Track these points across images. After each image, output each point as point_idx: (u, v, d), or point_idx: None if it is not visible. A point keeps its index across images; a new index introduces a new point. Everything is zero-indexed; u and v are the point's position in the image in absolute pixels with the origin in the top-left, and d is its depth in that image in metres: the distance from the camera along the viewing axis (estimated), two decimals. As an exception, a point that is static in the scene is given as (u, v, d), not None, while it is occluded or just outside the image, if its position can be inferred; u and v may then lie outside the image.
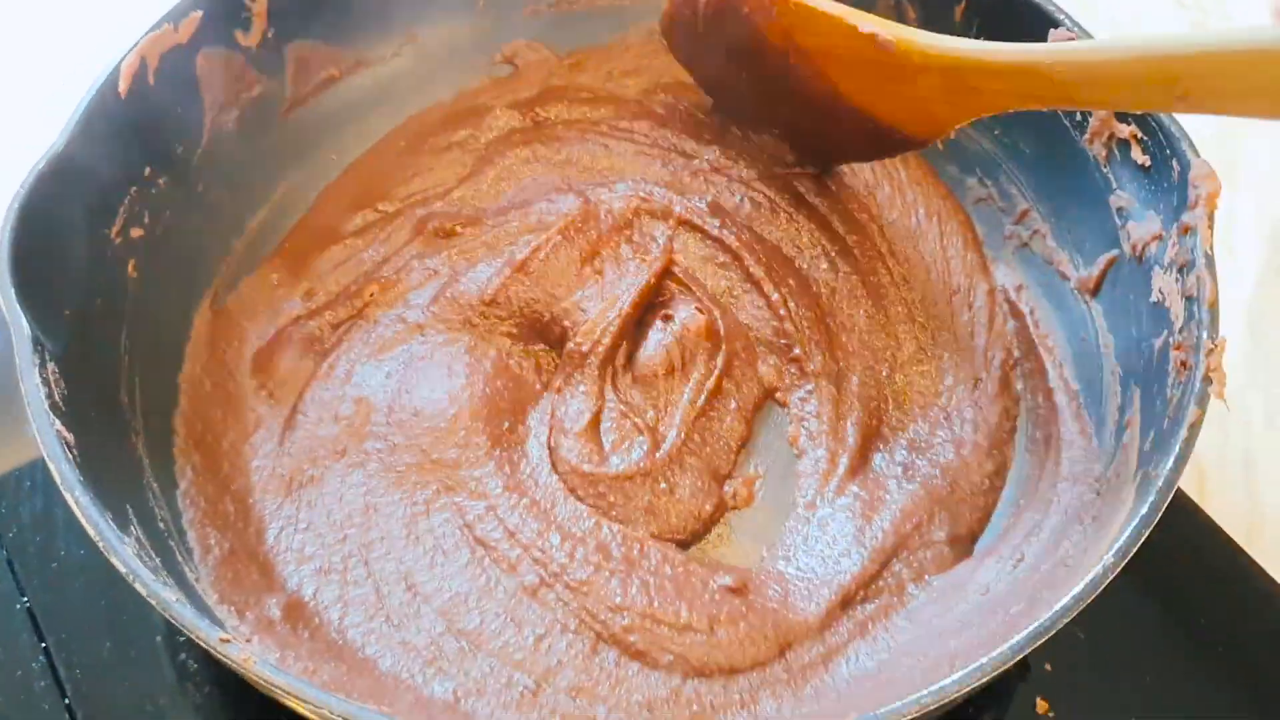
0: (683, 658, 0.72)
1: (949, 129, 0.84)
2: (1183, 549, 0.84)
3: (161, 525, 0.74)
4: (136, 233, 0.81)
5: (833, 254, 0.92)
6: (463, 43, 1.00)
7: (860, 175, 0.95)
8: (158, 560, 0.67)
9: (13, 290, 0.67)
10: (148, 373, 0.80)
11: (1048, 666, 0.79)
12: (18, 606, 0.79)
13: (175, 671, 0.76)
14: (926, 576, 0.78)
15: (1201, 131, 1.06)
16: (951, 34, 0.87)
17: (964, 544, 0.80)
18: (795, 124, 0.92)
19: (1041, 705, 0.78)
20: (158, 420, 0.80)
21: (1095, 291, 0.83)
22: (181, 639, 0.76)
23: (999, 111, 0.80)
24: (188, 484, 0.78)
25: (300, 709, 0.58)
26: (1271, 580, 0.83)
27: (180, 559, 0.73)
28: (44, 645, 0.77)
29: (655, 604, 0.74)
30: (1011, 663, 0.60)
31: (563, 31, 1.01)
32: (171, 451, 0.80)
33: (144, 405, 0.79)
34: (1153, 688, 0.79)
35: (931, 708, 0.58)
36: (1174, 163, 0.76)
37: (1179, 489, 0.84)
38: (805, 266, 0.91)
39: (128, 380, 0.78)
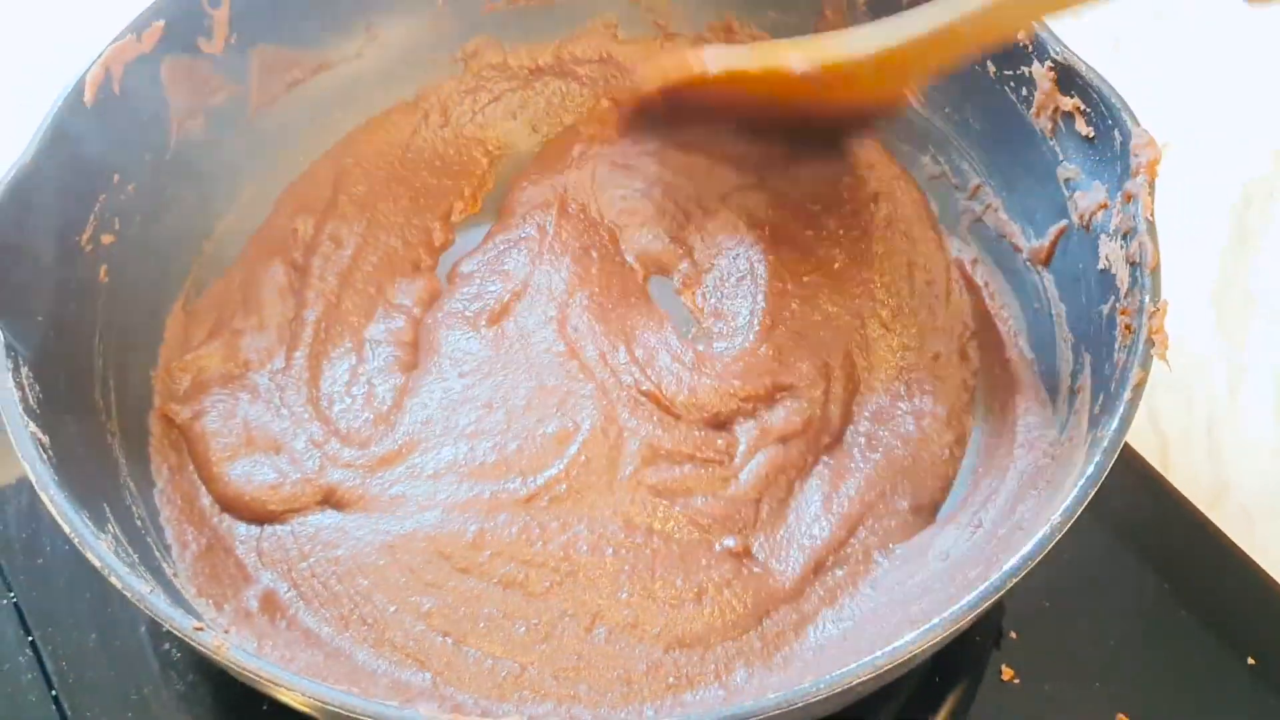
0: (669, 628, 0.75)
1: (904, 98, 0.88)
2: (1147, 517, 0.87)
3: (139, 523, 0.75)
4: (107, 239, 0.82)
5: (794, 238, 0.94)
6: (423, 41, 1.01)
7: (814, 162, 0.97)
8: (135, 556, 0.69)
9: (-15, 298, 0.69)
10: (122, 374, 0.82)
11: (1013, 635, 0.81)
12: (4, 602, 0.81)
13: (159, 661, 0.78)
14: (890, 544, 0.80)
15: (1162, 102, 1.08)
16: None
17: (926, 513, 0.82)
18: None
19: (1007, 672, 0.80)
20: (133, 421, 0.82)
21: (1047, 261, 0.85)
22: (165, 630, 0.78)
23: (936, 72, 0.85)
24: (164, 482, 0.81)
25: (275, 694, 0.60)
26: (1234, 545, 0.85)
27: (159, 554, 0.75)
28: (30, 639, 0.79)
29: (657, 576, 0.77)
30: (963, 623, 0.61)
31: (519, 27, 1.03)
32: (147, 451, 0.82)
33: (119, 406, 0.81)
34: (1118, 653, 0.81)
35: (887, 669, 0.60)
36: (1115, 132, 0.77)
37: (1143, 459, 0.87)
38: (764, 255, 0.94)
39: (102, 382, 0.80)
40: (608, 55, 1.04)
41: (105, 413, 0.79)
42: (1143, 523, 0.86)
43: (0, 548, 0.83)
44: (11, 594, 0.81)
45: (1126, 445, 0.84)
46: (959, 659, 0.81)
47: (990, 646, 0.82)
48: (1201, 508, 0.86)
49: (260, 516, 0.80)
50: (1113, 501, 0.82)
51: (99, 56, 0.81)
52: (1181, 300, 0.96)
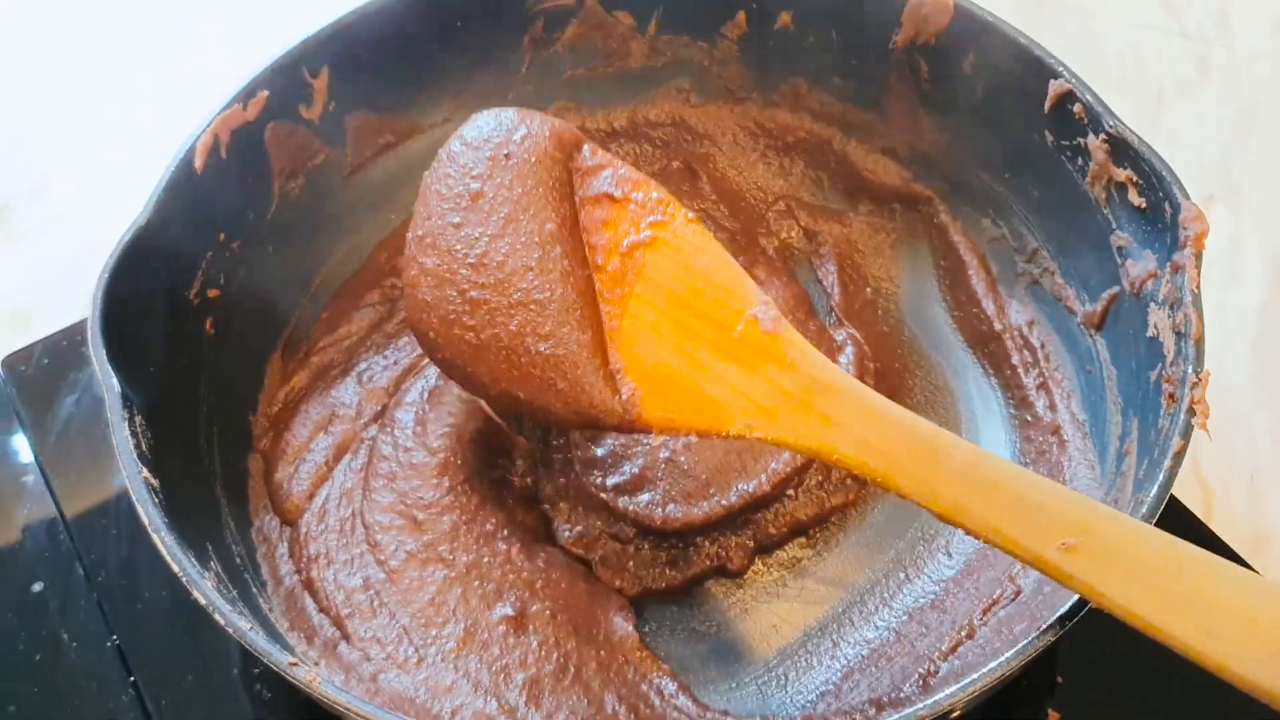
0: None
1: (690, 429, 0.74)
2: None
3: (238, 560, 0.81)
4: (213, 293, 0.89)
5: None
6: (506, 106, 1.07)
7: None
8: (234, 592, 0.75)
9: (104, 351, 0.75)
10: (225, 420, 0.88)
11: (1059, 679, 0.84)
12: (108, 644, 0.87)
13: (251, 701, 0.84)
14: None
15: (1205, 157, 1.10)
16: (961, 87, 0.95)
17: None
18: None
19: (1053, 716, 0.82)
20: (233, 463, 0.88)
21: (1100, 326, 0.88)
22: (257, 670, 0.84)
23: (802, 447, 0.71)
24: (260, 521, 0.87)
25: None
26: (1279, 593, 0.87)
27: (255, 590, 0.80)
28: (132, 679, 0.84)
29: None
30: (1000, 676, 0.64)
31: (596, 92, 1.09)
32: (246, 492, 0.88)
33: (221, 450, 0.87)
34: (1162, 701, 0.83)
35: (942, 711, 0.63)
36: (1166, 205, 0.80)
37: (1187, 508, 0.90)
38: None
39: (206, 428, 0.86)
40: (680, 119, 1.09)
41: (208, 456, 0.86)
42: None
43: (103, 593, 0.89)
44: (114, 637, 0.87)
45: (1172, 496, 0.87)
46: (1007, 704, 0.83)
47: (1044, 694, 0.84)
48: (1245, 555, 0.88)
49: None
50: None
51: (208, 124, 0.87)
52: (1223, 350, 1.00)
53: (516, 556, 0.84)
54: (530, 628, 0.81)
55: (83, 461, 0.96)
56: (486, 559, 0.84)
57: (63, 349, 1.02)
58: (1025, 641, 0.65)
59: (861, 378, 0.91)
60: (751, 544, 0.88)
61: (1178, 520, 0.90)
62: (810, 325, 0.98)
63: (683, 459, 0.89)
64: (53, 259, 1.11)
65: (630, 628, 0.82)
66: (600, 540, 0.87)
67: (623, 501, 0.87)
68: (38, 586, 0.90)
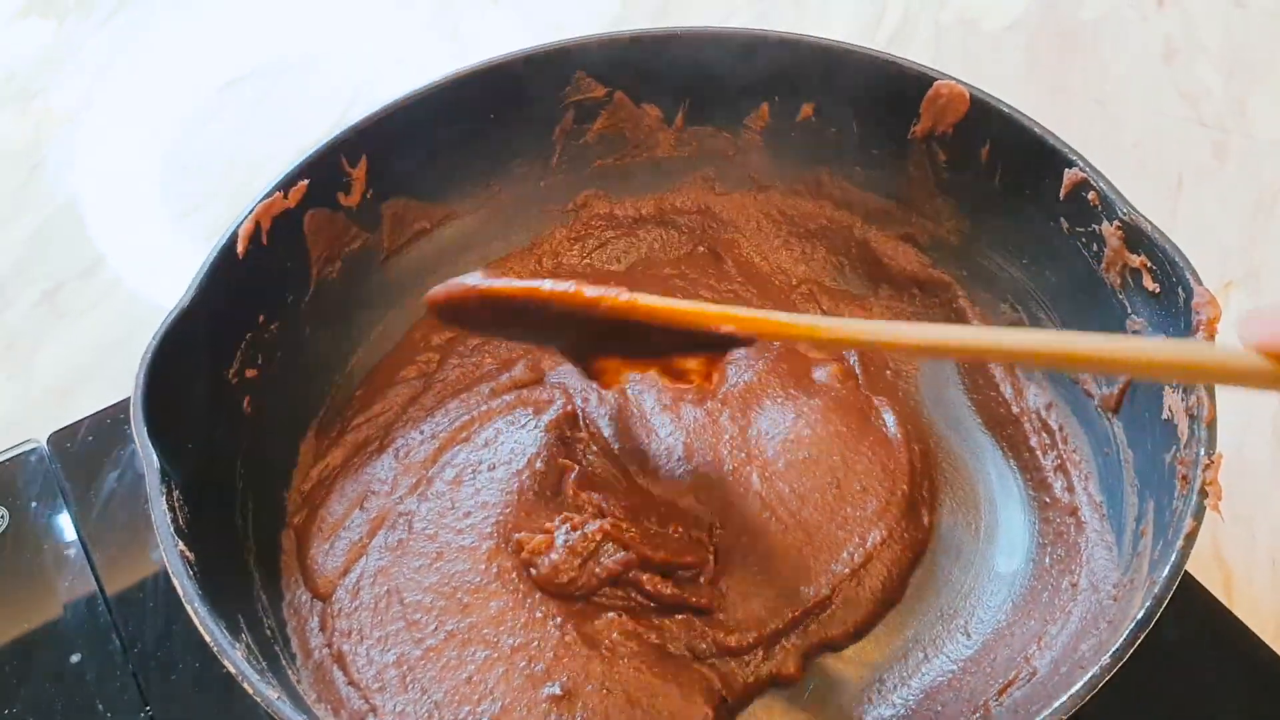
0: None
1: None
2: (1212, 647, 0.89)
3: (269, 632, 0.83)
4: (251, 373, 0.92)
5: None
6: (538, 195, 1.11)
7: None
8: (264, 663, 0.77)
9: (145, 428, 0.78)
10: (260, 496, 0.91)
11: None
12: (142, 716, 0.88)
13: None
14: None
15: (1224, 242, 1.12)
16: (978, 175, 0.98)
17: None
18: None
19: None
20: (267, 538, 0.90)
21: (1116, 409, 0.89)
22: None
23: None
24: (292, 595, 0.89)
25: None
26: (1299, 675, 0.87)
27: (285, 663, 0.82)
28: None
29: None
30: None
31: (624, 181, 1.12)
32: (279, 566, 0.90)
33: (256, 525, 0.89)
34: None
35: None
36: (1179, 290, 0.82)
37: (1207, 590, 0.90)
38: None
39: (242, 503, 0.89)
40: (705, 206, 1.13)
41: (243, 531, 0.88)
42: (1208, 653, 0.89)
43: (139, 665, 0.91)
44: (148, 708, 0.89)
45: (1190, 577, 0.90)
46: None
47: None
48: (1265, 637, 0.88)
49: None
50: (1178, 632, 0.87)
51: (250, 211, 0.91)
52: (1243, 431, 1.01)
53: (573, 640, 0.84)
54: (579, 704, 0.81)
55: (123, 537, 0.98)
56: (536, 643, 0.84)
57: (107, 426, 1.05)
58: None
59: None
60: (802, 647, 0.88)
61: (1197, 601, 0.90)
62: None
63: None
64: (99, 338, 1.14)
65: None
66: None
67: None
68: (75, 657, 0.92)
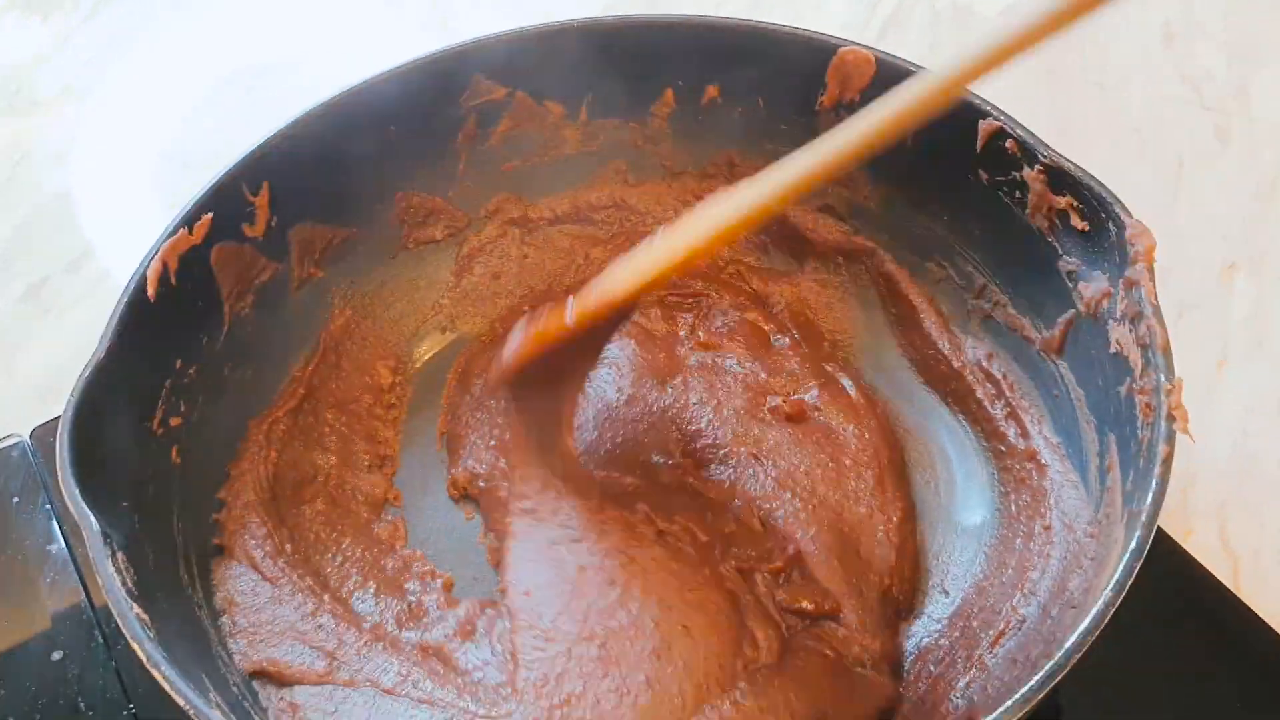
0: None
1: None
2: (1219, 632, 0.90)
3: (235, 689, 0.79)
4: (175, 421, 0.87)
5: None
6: (450, 203, 1.08)
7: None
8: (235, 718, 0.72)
9: (76, 490, 0.73)
10: (200, 549, 0.86)
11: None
12: (124, 713, 0.86)
13: None
14: None
15: (1227, 225, 1.13)
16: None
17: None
18: None
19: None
20: (215, 592, 0.85)
21: (1060, 350, 0.90)
22: None
23: None
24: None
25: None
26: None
27: (256, 718, 0.78)
28: None
29: None
30: (1033, 702, 0.65)
31: (536, 181, 1.10)
32: (232, 621, 0.85)
33: (201, 580, 0.85)
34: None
35: None
36: (1110, 225, 0.82)
37: (1215, 577, 0.91)
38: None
39: (185, 560, 0.84)
40: (621, 200, 1.11)
41: (191, 586, 0.83)
42: (1216, 639, 0.89)
43: (121, 662, 0.89)
44: (131, 705, 0.87)
45: (1197, 564, 0.91)
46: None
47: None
48: (1273, 623, 0.88)
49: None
50: (1186, 619, 0.89)
51: (155, 251, 0.86)
52: (1248, 417, 1.02)
53: None
54: None
55: None
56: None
57: None
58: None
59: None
60: None
61: (1205, 588, 0.90)
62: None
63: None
64: (84, 332, 1.11)
65: None
66: None
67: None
68: (57, 655, 0.90)
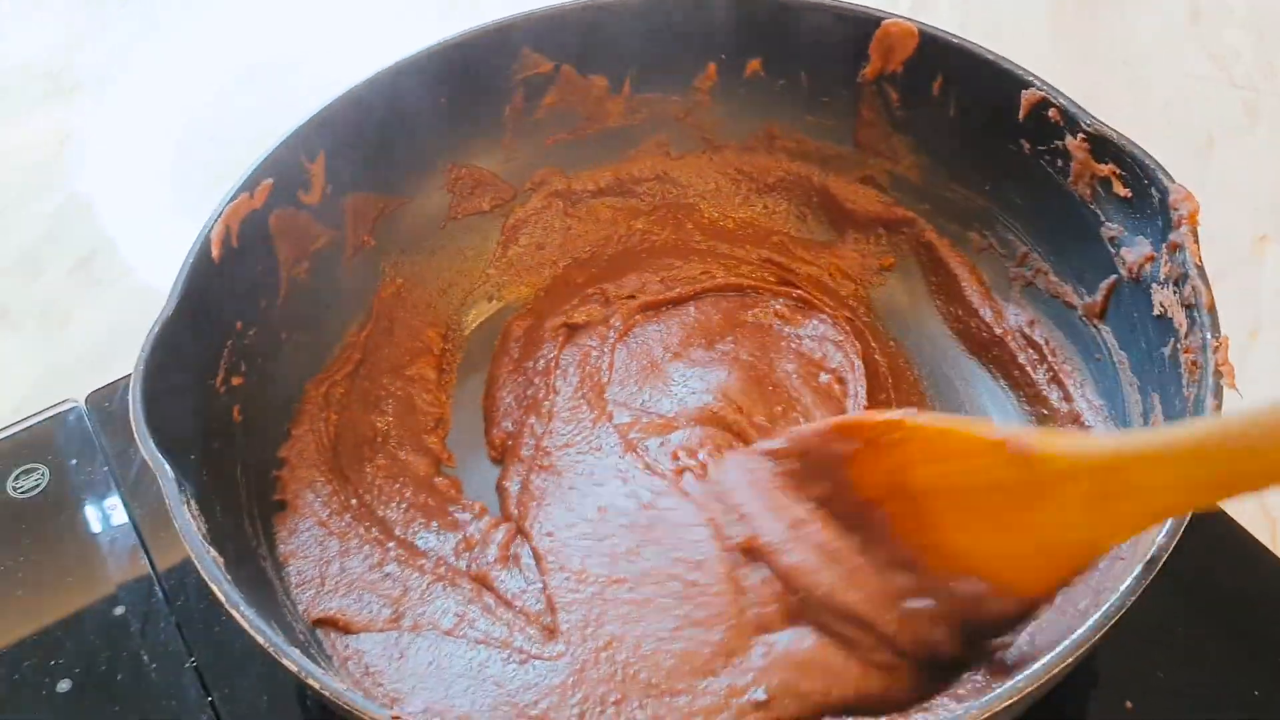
0: None
1: (1071, 574, 0.73)
2: (1259, 593, 0.91)
3: (301, 636, 0.81)
4: (236, 380, 0.89)
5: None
6: (497, 176, 1.10)
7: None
8: (308, 665, 0.74)
9: (151, 440, 0.75)
10: (263, 504, 0.88)
11: (1129, 705, 0.84)
12: (186, 665, 0.88)
13: None
14: None
15: (1257, 199, 1.14)
16: (932, 110, 1.00)
17: None
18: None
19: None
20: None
21: (1102, 315, 0.91)
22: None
23: (1150, 523, 0.67)
24: (310, 601, 0.86)
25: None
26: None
27: (321, 665, 0.79)
28: (210, 699, 0.86)
29: None
30: (1088, 646, 0.66)
31: (580, 154, 1.12)
32: (294, 573, 0.87)
33: (265, 534, 0.87)
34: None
35: (1010, 702, 0.64)
36: (1153, 190, 0.84)
37: (1252, 536, 0.92)
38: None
39: (248, 513, 0.86)
40: (663, 172, 1.13)
41: (256, 539, 0.85)
42: (1257, 600, 0.91)
43: (182, 617, 0.90)
44: (193, 658, 0.88)
45: (1238, 525, 0.92)
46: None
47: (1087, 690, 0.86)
48: None
49: None
50: (1225, 579, 0.90)
51: (219, 214, 0.88)
52: None
53: None
54: None
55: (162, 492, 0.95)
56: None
57: None
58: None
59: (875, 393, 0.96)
60: None
61: (1244, 549, 0.92)
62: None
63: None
64: (134, 302, 1.18)
65: None
66: None
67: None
68: (119, 610, 0.92)
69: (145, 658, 0.88)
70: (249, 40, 1.54)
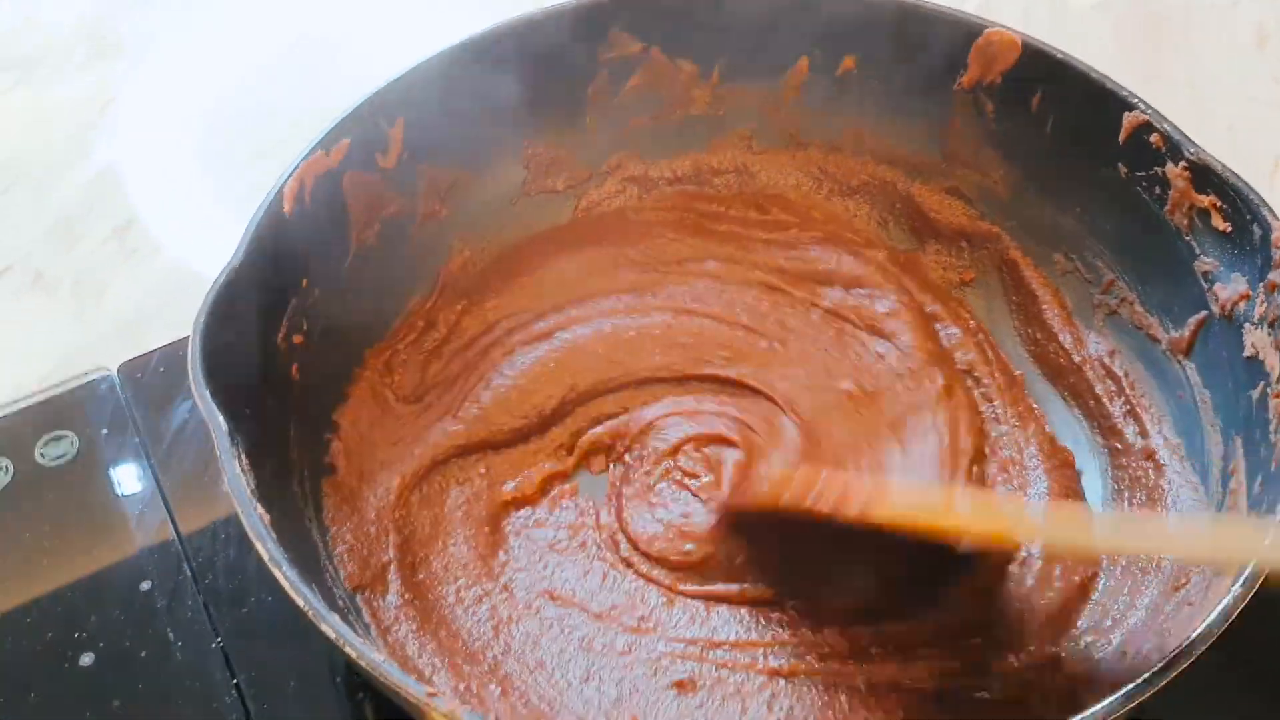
0: None
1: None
2: None
3: (340, 603, 0.80)
4: (298, 339, 0.88)
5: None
6: (573, 157, 1.08)
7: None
8: (344, 632, 0.73)
9: (206, 389, 0.74)
10: (313, 465, 0.87)
11: None
12: (213, 646, 0.86)
13: (352, 708, 0.83)
14: None
15: None
16: (1028, 124, 0.96)
17: None
18: None
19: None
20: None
21: (1188, 352, 0.88)
22: (358, 678, 0.83)
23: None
24: (353, 569, 0.85)
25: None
26: None
27: (359, 633, 0.78)
28: (235, 681, 0.84)
29: None
30: (1154, 690, 0.63)
31: (660, 141, 1.10)
32: (343, 536, 0.86)
33: (312, 495, 0.86)
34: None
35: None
36: (1255, 227, 0.81)
37: None
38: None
39: (299, 473, 0.85)
40: (743, 166, 1.10)
41: (304, 500, 0.84)
42: None
43: (210, 596, 0.88)
44: (219, 639, 0.86)
45: None
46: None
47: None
48: None
49: None
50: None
51: (294, 170, 0.86)
52: None
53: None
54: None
55: (194, 467, 0.95)
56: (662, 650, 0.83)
57: (179, 358, 0.98)
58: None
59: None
60: None
61: None
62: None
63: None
64: (169, 273, 1.16)
65: None
66: None
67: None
68: (145, 585, 0.89)
69: (170, 635, 0.86)
70: (299, 11, 1.50)
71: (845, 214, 1.08)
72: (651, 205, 1.10)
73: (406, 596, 0.84)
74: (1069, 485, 0.91)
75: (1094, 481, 0.92)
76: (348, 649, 0.64)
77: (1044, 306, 0.99)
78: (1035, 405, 0.97)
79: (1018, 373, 0.99)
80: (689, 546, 0.87)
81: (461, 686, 0.78)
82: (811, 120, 1.08)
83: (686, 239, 1.07)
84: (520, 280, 1.04)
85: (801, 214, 1.08)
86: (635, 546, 0.88)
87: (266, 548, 0.68)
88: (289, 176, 0.86)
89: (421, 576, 0.86)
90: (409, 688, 0.63)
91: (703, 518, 0.89)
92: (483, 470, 0.94)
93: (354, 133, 0.91)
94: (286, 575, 0.67)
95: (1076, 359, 0.96)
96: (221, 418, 0.73)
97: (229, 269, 0.80)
